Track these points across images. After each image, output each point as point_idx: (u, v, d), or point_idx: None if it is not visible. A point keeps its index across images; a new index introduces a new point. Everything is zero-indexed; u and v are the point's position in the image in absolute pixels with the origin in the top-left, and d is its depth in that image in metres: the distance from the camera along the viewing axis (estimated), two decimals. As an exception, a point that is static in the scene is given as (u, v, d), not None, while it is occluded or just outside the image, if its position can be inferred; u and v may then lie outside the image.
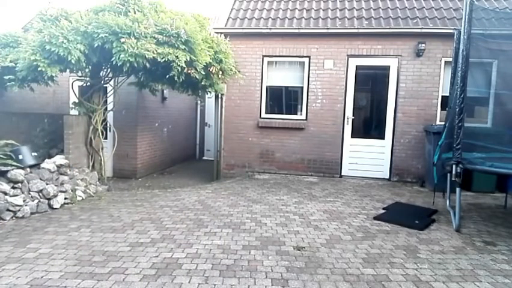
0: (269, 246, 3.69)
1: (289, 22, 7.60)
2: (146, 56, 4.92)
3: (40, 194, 4.87)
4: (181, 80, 5.53)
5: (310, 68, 7.48)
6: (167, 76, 5.45)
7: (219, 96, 7.69)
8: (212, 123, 10.00)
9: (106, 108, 6.86)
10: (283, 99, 7.94)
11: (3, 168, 4.67)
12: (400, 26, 7.12)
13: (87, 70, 6.19)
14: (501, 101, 5.32)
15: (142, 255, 3.40)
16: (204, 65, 5.62)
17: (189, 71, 5.45)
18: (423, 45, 6.93)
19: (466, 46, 4.28)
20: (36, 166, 5.16)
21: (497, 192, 6.29)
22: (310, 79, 7.50)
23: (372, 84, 7.84)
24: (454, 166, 4.24)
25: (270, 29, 7.42)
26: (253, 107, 7.73)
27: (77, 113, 6.46)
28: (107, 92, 6.78)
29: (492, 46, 4.97)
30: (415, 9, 7.47)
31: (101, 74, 6.42)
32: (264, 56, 7.65)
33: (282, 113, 7.81)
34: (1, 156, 4.97)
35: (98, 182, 6.23)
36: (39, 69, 4.85)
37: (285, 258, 3.40)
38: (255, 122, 7.73)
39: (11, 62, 5.49)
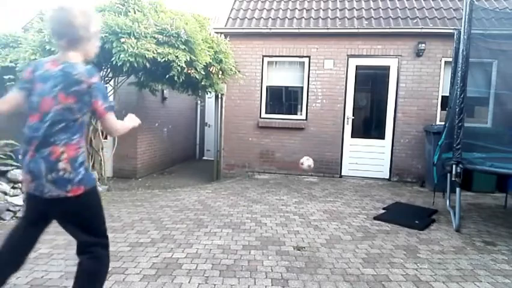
0: (269, 246, 3.69)
1: (289, 22, 7.60)
2: (146, 56, 4.92)
3: (40, 194, 4.87)
4: (181, 80, 5.53)
5: (310, 68, 7.48)
6: (167, 76, 5.44)
7: (219, 96, 7.68)
8: (212, 123, 9.99)
9: (106, 108, 6.85)
10: (283, 99, 7.95)
11: (3, 168, 4.68)
12: (400, 26, 7.12)
13: (87, 70, 6.18)
14: (501, 101, 5.33)
15: (142, 255, 3.39)
16: (204, 65, 5.62)
17: (189, 71, 5.46)
18: (423, 45, 6.92)
19: (466, 46, 4.28)
20: (36, 166, 5.15)
21: (497, 192, 6.29)
22: (310, 79, 7.50)
23: (372, 84, 7.85)
24: (454, 166, 4.23)
25: (270, 29, 7.42)
26: (253, 107, 7.73)
27: (77, 113, 6.45)
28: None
29: (492, 46, 4.97)
30: (415, 9, 7.47)
31: (101, 74, 6.41)
32: (264, 56, 7.64)
33: (282, 113, 7.81)
34: (1, 156, 4.97)
35: (98, 182, 6.23)
36: (39, 69, 4.85)
37: (285, 258, 3.39)
38: (255, 122, 7.73)
39: (11, 62, 5.51)
